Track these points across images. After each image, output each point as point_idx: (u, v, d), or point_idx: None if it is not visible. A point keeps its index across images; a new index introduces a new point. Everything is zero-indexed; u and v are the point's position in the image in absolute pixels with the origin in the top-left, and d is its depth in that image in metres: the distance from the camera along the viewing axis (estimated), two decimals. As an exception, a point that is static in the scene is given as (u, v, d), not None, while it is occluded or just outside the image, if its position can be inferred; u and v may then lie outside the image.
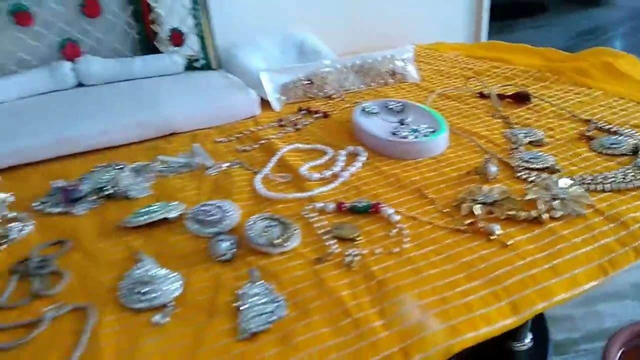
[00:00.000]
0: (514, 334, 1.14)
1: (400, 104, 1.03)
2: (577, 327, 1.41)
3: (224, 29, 1.31)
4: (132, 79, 1.24)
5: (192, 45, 1.30)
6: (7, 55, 1.20)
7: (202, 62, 1.29)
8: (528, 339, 1.16)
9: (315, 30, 1.46)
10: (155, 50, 1.33)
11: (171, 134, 1.04)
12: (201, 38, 1.27)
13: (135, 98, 1.11)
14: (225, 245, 0.63)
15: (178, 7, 1.27)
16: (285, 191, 0.78)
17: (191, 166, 0.90)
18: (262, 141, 0.97)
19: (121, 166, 0.86)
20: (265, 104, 1.15)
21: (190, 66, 1.30)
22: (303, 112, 1.11)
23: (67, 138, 0.95)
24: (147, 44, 1.33)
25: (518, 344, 1.16)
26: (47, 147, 0.94)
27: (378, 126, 0.94)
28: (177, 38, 1.29)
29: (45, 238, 0.72)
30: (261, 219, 0.68)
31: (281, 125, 1.05)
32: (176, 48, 1.31)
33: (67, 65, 1.20)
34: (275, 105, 1.15)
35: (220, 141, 1.00)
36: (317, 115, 1.08)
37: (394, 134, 0.90)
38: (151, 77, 1.26)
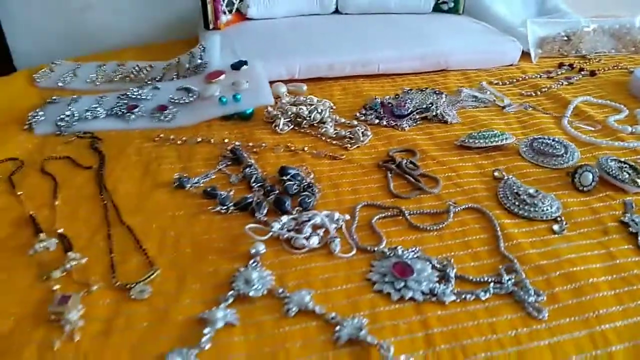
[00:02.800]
0: None
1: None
2: None
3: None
4: (384, 13, 1.30)
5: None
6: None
7: (450, 5, 1.32)
8: None
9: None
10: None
11: (442, 70, 1.10)
12: (457, -19, 1.30)
13: (410, 32, 1.16)
14: (590, 177, 0.68)
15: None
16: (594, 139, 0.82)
17: (485, 102, 0.95)
18: (543, 89, 1.00)
19: (438, 91, 0.93)
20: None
21: (437, 7, 1.33)
22: (565, 67, 1.13)
23: (366, 60, 1.03)
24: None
25: None
26: (349, 65, 1.02)
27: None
28: (432, -22, 1.33)
29: (386, 145, 0.81)
30: (611, 160, 0.72)
31: (550, 77, 1.08)
32: (428, -12, 1.34)
33: (332, -9, 1.28)
34: (534, 57, 1.17)
35: (496, 83, 1.04)
36: (583, 72, 1.09)
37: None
38: (401, 13, 1.30)
